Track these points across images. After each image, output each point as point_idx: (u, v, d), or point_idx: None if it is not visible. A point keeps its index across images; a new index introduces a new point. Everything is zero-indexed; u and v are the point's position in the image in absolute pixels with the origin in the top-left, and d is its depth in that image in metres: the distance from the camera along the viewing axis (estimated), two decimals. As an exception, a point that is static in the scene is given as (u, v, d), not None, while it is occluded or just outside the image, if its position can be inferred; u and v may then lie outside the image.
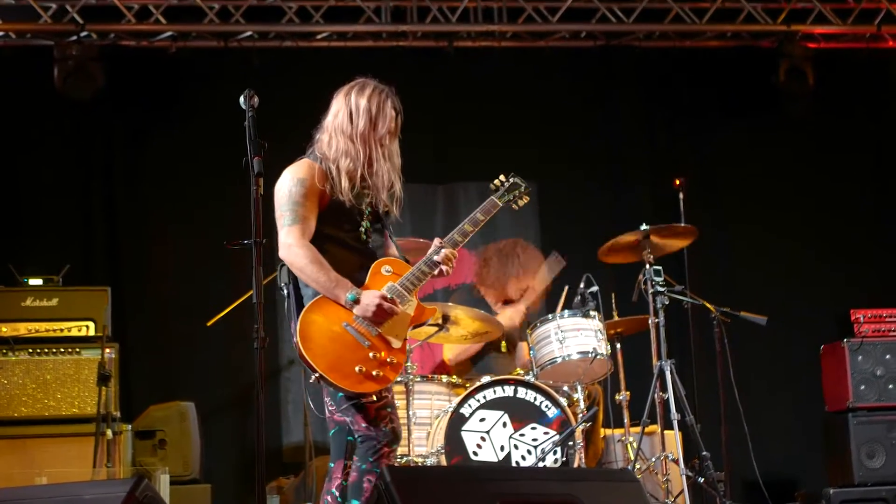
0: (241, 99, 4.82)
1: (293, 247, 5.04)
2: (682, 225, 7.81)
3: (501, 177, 5.58)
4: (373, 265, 5.14)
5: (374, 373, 4.90)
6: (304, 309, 5.02)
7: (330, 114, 5.30)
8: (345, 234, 5.15)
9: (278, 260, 5.17)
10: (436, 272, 5.21)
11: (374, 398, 5.01)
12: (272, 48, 9.70)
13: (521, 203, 5.59)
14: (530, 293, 8.14)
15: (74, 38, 9.23)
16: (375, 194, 5.22)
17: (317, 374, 4.92)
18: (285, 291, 5.18)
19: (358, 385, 4.90)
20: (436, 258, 5.16)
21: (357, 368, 4.89)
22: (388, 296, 5.03)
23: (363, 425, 5.02)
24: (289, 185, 5.14)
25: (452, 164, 9.87)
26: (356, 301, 4.96)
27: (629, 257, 7.78)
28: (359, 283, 5.08)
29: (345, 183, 5.11)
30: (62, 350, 7.62)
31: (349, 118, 5.20)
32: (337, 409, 5.09)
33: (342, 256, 5.11)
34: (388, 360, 4.99)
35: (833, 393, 8.15)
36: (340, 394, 5.02)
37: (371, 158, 5.16)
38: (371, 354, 4.94)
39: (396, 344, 5.03)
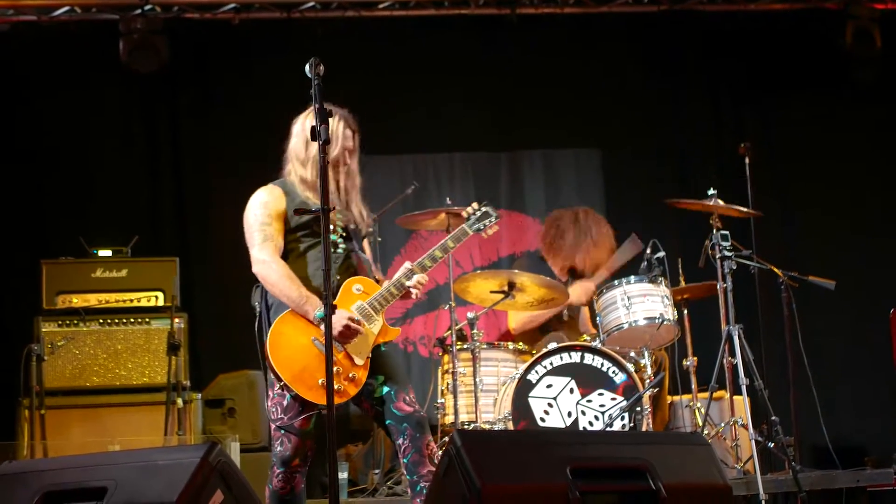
0: (307, 67, 4.79)
1: (266, 262, 5.18)
2: (748, 210, 7.69)
3: (474, 204, 5.63)
4: (345, 283, 5.22)
5: (336, 386, 4.91)
6: (276, 321, 5.14)
7: (290, 140, 5.41)
8: (314, 245, 5.24)
9: (255, 281, 5.29)
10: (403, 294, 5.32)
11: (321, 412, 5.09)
12: (335, 18, 9.69)
13: (489, 232, 5.63)
14: (603, 272, 8.08)
15: (139, 11, 9.26)
16: (344, 213, 5.31)
17: (282, 383, 5.06)
18: (257, 310, 5.27)
19: (320, 397, 4.99)
20: (406, 283, 5.28)
21: (320, 381, 4.98)
22: (356, 317, 5.14)
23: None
24: (253, 209, 5.31)
25: (516, 131, 9.84)
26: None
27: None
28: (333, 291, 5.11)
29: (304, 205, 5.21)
30: (132, 320, 7.73)
31: (304, 144, 5.32)
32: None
33: (316, 266, 5.19)
34: (350, 375, 5.12)
35: (903, 357, 8.05)
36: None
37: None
38: (335, 369, 4.98)
39: (359, 361, 5.14)
